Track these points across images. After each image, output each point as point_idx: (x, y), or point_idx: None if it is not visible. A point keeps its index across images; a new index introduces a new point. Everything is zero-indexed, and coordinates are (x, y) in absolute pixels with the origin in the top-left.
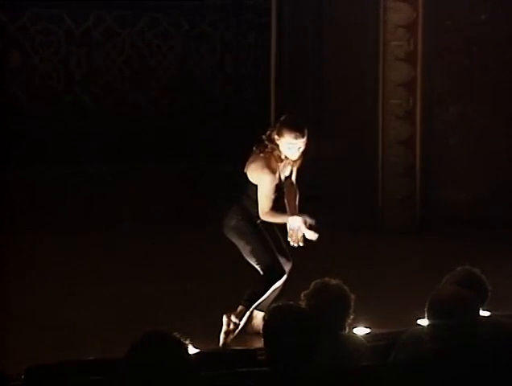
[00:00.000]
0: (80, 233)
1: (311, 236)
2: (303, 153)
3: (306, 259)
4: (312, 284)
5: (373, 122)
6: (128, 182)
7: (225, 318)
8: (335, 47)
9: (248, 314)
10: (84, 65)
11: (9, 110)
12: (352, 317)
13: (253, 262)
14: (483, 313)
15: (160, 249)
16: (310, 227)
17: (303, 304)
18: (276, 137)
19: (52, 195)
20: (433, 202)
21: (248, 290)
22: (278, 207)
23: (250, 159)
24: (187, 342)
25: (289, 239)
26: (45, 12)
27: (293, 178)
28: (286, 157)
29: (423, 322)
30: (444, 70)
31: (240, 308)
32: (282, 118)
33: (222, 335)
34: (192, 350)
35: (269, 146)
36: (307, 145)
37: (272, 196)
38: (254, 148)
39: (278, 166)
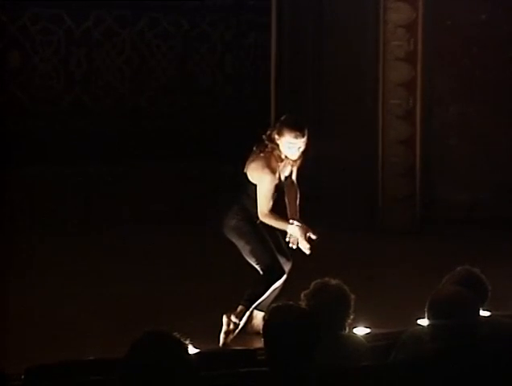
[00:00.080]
0: (80, 233)
1: (305, 249)
2: (304, 152)
3: (306, 259)
4: (312, 284)
5: (373, 122)
6: (128, 182)
7: (224, 318)
8: (335, 47)
9: (248, 313)
10: (84, 65)
11: (9, 110)
12: (352, 317)
13: (252, 262)
14: (483, 313)
15: (160, 249)
16: (309, 240)
17: (303, 304)
18: (276, 136)
19: (52, 195)
20: (433, 202)
21: (248, 290)
22: (278, 209)
23: (250, 159)
24: (187, 342)
25: (288, 239)
26: (45, 12)
27: (293, 177)
28: (286, 156)
29: (423, 322)
30: (444, 70)
31: (240, 308)
32: (283, 118)
33: (222, 335)
34: (191, 350)
35: (269, 146)
36: (308, 144)
37: (272, 196)
38: (254, 148)
39: (279, 166)
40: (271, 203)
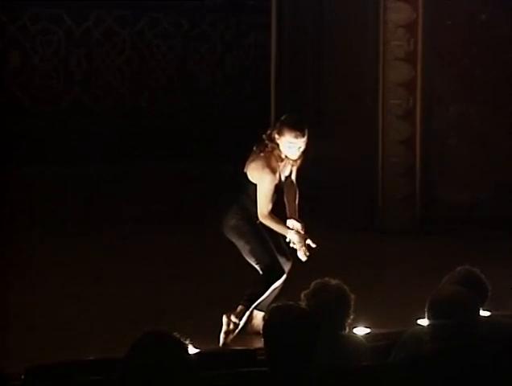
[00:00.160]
0: (80, 233)
1: (302, 257)
2: (304, 152)
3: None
4: (312, 284)
5: (373, 122)
6: (128, 182)
7: (224, 318)
8: (335, 47)
9: (248, 313)
10: (84, 65)
11: (9, 110)
12: (352, 317)
13: (252, 262)
14: (483, 313)
15: (160, 249)
16: (309, 247)
17: (303, 304)
18: (276, 136)
19: (52, 195)
20: (433, 202)
21: (247, 290)
22: (277, 208)
23: (250, 159)
24: (187, 342)
25: (288, 240)
26: (45, 12)
27: (293, 177)
28: (286, 156)
29: (423, 322)
30: (444, 70)
31: (240, 308)
32: (283, 117)
33: (222, 335)
34: (192, 350)
35: (269, 146)
36: (308, 144)
37: (272, 196)
38: (255, 147)
39: (279, 166)
40: (271, 204)
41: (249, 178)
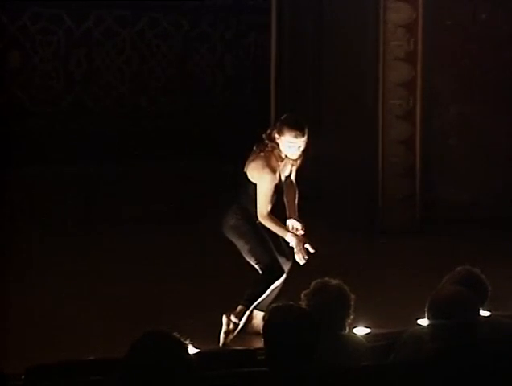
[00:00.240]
0: (80, 233)
1: (300, 260)
2: (304, 152)
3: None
4: (312, 284)
5: (373, 122)
6: (128, 182)
7: (224, 318)
8: (335, 47)
9: (247, 313)
10: (84, 65)
11: (9, 110)
12: (352, 317)
13: (252, 261)
14: (483, 313)
15: (160, 249)
16: (307, 251)
17: (303, 304)
18: (276, 135)
19: (52, 195)
20: (433, 202)
21: (247, 290)
22: (277, 208)
23: (250, 158)
24: (187, 342)
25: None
26: (45, 12)
27: (293, 177)
28: (286, 156)
29: (423, 322)
30: (444, 70)
31: (239, 308)
32: (283, 117)
33: (222, 335)
34: (191, 350)
35: (269, 145)
36: (308, 144)
37: (271, 196)
38: (255, 147)
39: (279, 166)
40: (271, 204)
41: (249, 177)
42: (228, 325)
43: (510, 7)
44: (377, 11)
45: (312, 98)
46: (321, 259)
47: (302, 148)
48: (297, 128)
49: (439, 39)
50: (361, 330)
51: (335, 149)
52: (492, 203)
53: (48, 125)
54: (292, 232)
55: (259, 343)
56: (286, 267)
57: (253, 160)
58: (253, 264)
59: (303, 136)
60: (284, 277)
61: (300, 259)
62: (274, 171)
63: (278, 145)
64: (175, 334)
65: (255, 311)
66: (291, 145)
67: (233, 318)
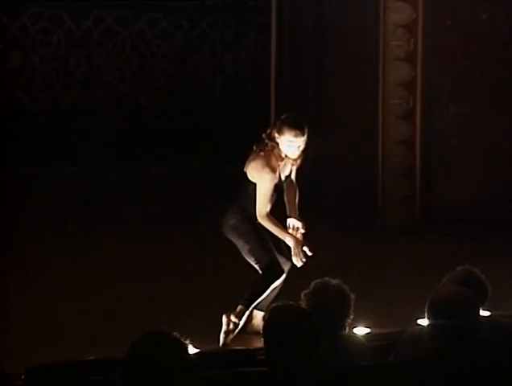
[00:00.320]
0: (80, 233)
1: (297, 262)
2: (304, 151)
3: (306, 259)
4: (312, 284)
5: (373, 122)
6: (128, 182)
7: (224, 318)
8: (335, 47)
9: (247, 313)
10: (84, 65)
11: (9, 110)
12: (352, 317)
13: (252, 261)
14: (483, 313)
15: (160, 249)
16: (305, 254)
17: (303, 304)
18: (276, 135)
19: (52, 195)
20: (433, 202)
21: (247, 290)
22: (277, 208)
23: (250, 158)
24: (187, 342)
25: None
26: (45, 12)
27: (293, 177)
28: (286, 155)
29: (423, 322)
30: (444, 70)
31: (239, 308)
32: (283, 116)
33: (222, 335)
34: (191, 350)
35: (269, 145)
36: (308, 143)
37: (271, 196)
38: (254, 147)
39: (279, 165)
40: (270, 204)
41: (249, 177)
42: (228, 325)
43: (510, 7)
44: (377, 11)
45: (312, 98)
46: (321, 259)
47: (302, 147)
48: (297, 127)
49: (439, 39)
50: (361, 330)
51: (335, 149)
52: (492, 203)
53: (48, 125)
54: (291, 233)
55: (259, 343)
56: (286, 267)
57: (253, 160)
58: (253, 264)
59: (303, 135)
60: (284, 276)
61: (297, 261)
62: (273, 171)
63: (278, 144)
64: (175, 334)
65: (255, 311)
66: (291, 145)
67: (233, 318)
